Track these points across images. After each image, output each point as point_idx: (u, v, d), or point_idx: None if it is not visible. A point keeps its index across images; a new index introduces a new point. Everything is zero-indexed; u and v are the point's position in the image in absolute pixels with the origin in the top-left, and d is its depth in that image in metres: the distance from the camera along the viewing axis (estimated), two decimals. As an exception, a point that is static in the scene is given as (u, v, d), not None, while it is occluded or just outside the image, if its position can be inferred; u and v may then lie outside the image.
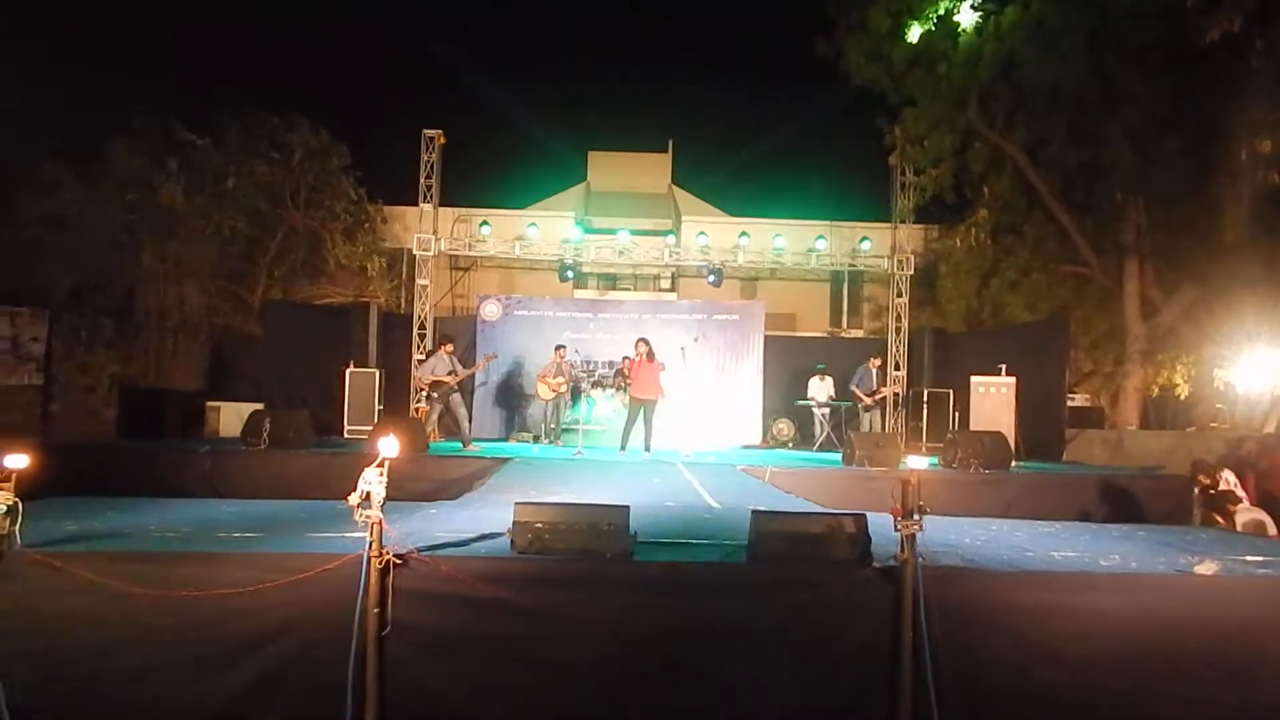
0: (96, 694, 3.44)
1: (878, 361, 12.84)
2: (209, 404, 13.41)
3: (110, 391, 13.63)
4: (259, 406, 11.14)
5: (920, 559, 3.62)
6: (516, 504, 3.98)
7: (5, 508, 3.51)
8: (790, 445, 13.60)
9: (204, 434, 12.75)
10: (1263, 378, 12.44)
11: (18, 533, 3.57)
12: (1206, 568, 4.30)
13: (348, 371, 12.58)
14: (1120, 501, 8.35)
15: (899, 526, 3.61)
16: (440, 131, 13.98)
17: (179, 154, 14.55)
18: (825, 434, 12.96)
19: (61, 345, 13.59)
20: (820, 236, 15.17)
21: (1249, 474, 9.11)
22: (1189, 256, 13.25)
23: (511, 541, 3.88)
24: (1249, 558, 4.63)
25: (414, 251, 14.25)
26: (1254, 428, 12.09)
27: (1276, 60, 10.41)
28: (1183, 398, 15.65)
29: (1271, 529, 7.66)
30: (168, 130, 14.43)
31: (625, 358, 12.18)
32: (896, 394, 14.14)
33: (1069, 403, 13.26)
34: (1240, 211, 12.26)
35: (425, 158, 13.99)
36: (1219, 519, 7.97)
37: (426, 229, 14.09)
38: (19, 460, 3.58)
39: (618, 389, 12.40)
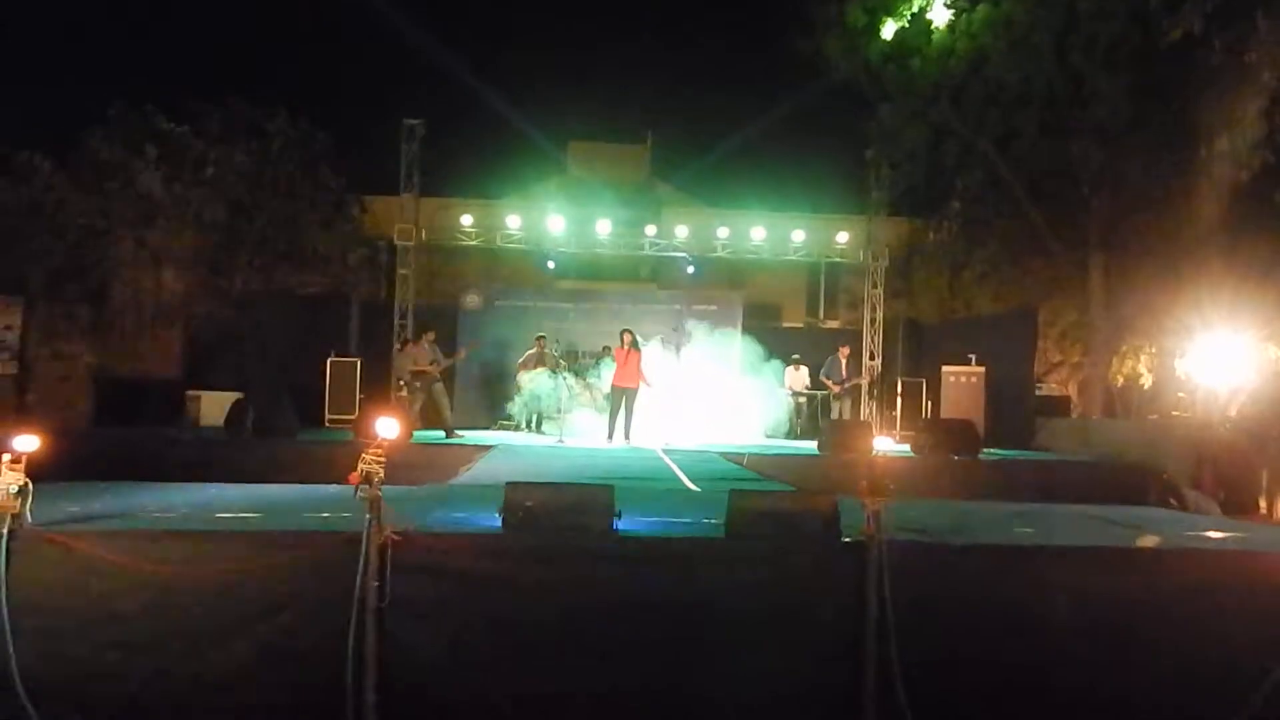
0: (106, 664, 3.59)
1: (846, 351, 13.34)
2: (190, 393, 13.38)
3: (86, 381, 13.57)
4: (239, 395, 11.16)
5: (885, 534, 3.87)
6: (507, 484, 4.18)
7: (16, 488, 3.64)
8: (767, 434, 13.88)
9: (185, 422, 12.75)
10: (1219, 367, 12.91)
11: (29, 512, 3.70)
12: (1154, 541, 4.61)
13: (329, 361, 12.64)
14: (1082, 486, 8.71)
15: (866, 502, 3.85)
16: (421, 121, 13.94)
17: (158, 142, 14.45)
18: (800, 422, 13.30)
19: (37, 334, 13.50)
20: (797, 228, 15.43)
21: (1206, 467, 9.48)
22: (1152, 250, 13.69)
23: (503, 519, 4.08)
24: (1195, 533, 4.95)
25: (395, 241, 14.29)
26: (1214, 415, 12.54)
27: (1234, 61, 10.83)
28: (1146, 387, 16.19)
29: (1216, 510, 8.11)
30: (146, 118, 14.33)
31: (605, 347, 12.39)
32: (869, 382, 14.47)
33: (1038, 392, 13.68)
34: (1201, 207, 12.71)
35: (406, 147, 13.93)
36: (1172, 501, 8.39)
37: (407, 218, 14.11)
38: (30, 442, 3.71)
39: (588, 387, 12.48)
